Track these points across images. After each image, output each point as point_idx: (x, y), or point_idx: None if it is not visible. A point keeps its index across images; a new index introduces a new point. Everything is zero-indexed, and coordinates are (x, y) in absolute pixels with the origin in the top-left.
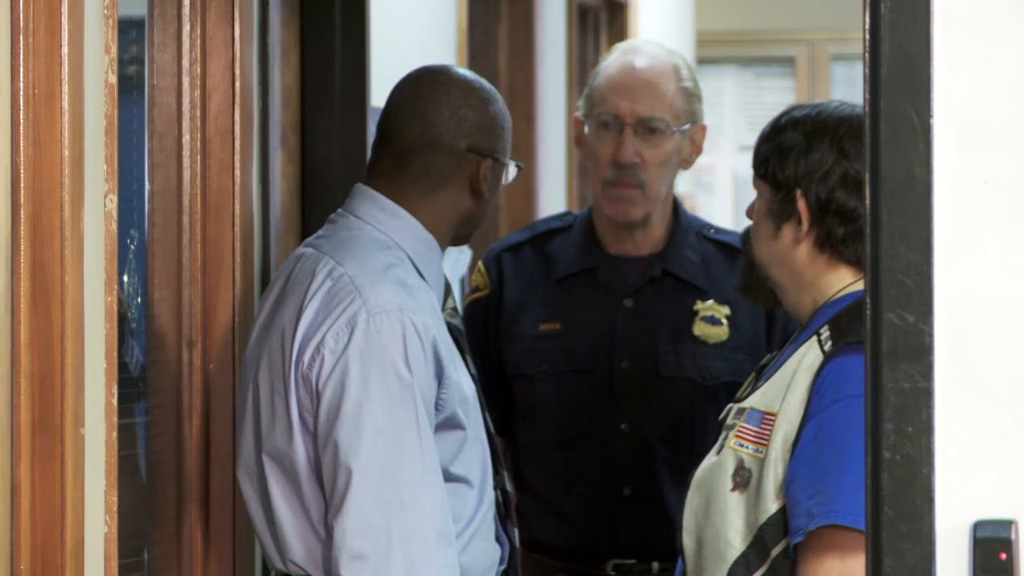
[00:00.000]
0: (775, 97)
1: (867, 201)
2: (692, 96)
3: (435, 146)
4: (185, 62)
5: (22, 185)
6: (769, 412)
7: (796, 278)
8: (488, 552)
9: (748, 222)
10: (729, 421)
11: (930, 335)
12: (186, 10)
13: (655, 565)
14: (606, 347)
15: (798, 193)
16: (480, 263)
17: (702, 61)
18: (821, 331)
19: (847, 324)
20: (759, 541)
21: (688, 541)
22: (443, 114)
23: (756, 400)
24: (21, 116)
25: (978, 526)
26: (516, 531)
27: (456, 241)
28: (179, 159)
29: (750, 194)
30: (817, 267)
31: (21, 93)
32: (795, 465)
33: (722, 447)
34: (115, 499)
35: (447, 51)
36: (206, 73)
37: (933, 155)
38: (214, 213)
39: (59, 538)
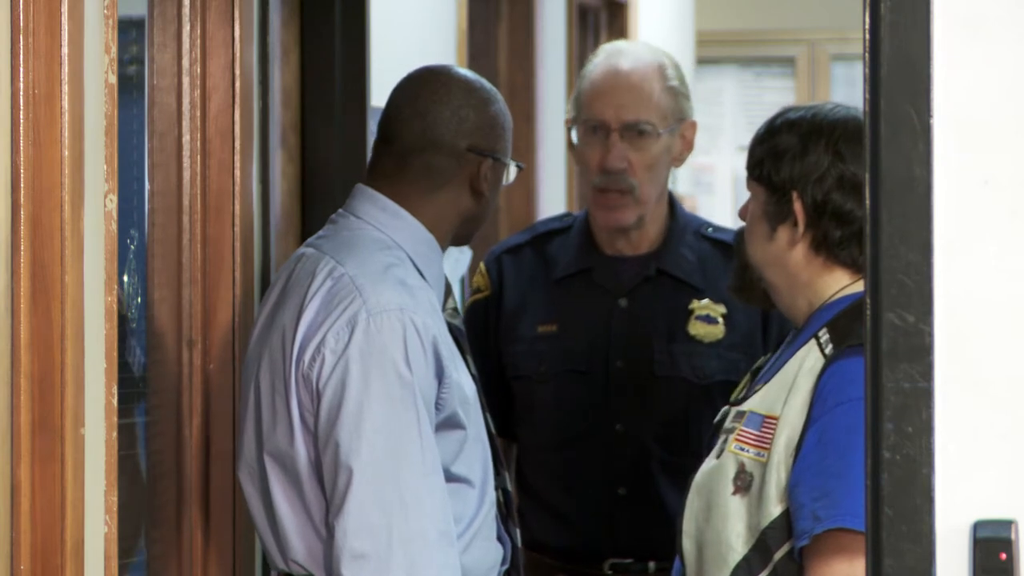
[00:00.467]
0: (775, 97)
1: (867, 201)
2: (679, 94)
3: (436, 146)
4: (185, 62)
5: (22, 185)
6: (770, 416)
7: (791, 280)
8: (490, 552)
9: (742, 223)
10: (728, 424)
11: (930, 335)
12: (186, 10)
13: (652, 564)
14: (601, 347)
15: (794, 195)
16: (481, 264)
17: (702, 61)
18: (820, 334)
19: (847, 326)
20: (761, 545)
21: (688, 545)
22: (444, 114)
23: (756, 403)
24: (21, 116)
25: (978, 526)
26: (518, 531)
27: (457, 241)
28: (179, 159)
29: (748, 195)
30: (813, 269)
31: (21, 93)
32: (799, 469)
33: (722, 451)
34: (115, 499)
35: (447, 51)
36: (206, 73)
37: (933, 155)
38: (214, 213)
39: (59, 538)
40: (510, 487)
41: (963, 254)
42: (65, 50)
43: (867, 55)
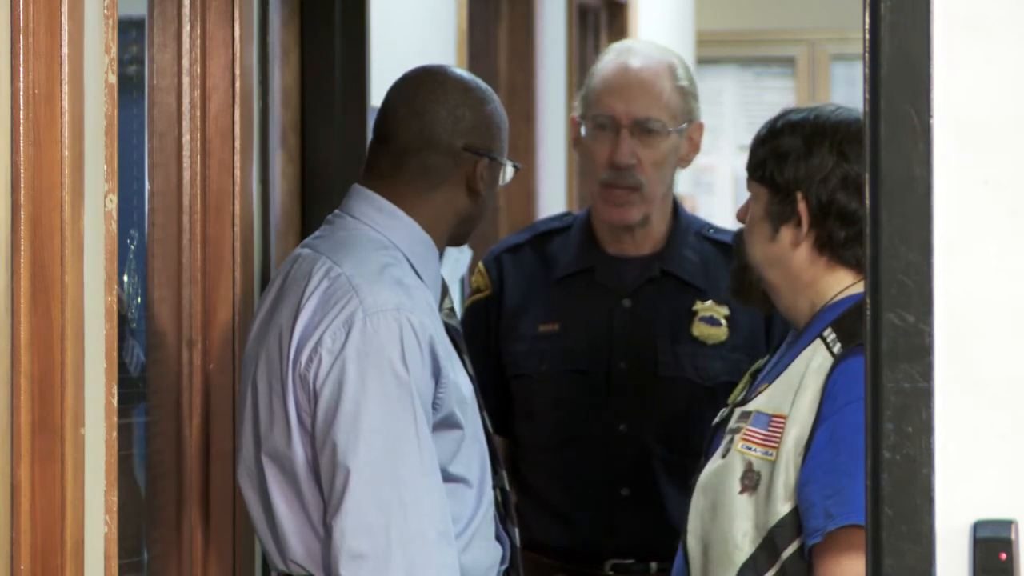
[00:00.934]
0: (775, 97)
1: (867, 201)
2: (688, 95)
3: (432, 145)
4: (185, 62)
5: (22, 185)
6: (777, 415)
7: (793, 280)
8: (488, 552)
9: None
10: (733, 424)
11: (930, 335)
12: (186, 10)
13: (653, 565)
14: (604, 347)
15: (799, 195)
16: (481, 264)
17: (702, 61)
18: (825, 334)
19: (853, 326)
20: (769, 543)
21: (693, 544)
22: (440, 113)
23: (762, 403)
24: (21, 116)
25: (978, 526)
26: (517, 530)
27: (453, 242)
28: (179, 159)
29: (748, 196)
30: (816, 269)
31: (21, 93)
32: (809, 467)
33: (728, 450)
34: (115, 499)
35: (447, 51)
36: (206, 73)
37: (933, 155)
38: (214, 213)
39: (59, 538)
40: (508, 487)
41: (963, 254)
42: (65, 50)
43: (867, 55)
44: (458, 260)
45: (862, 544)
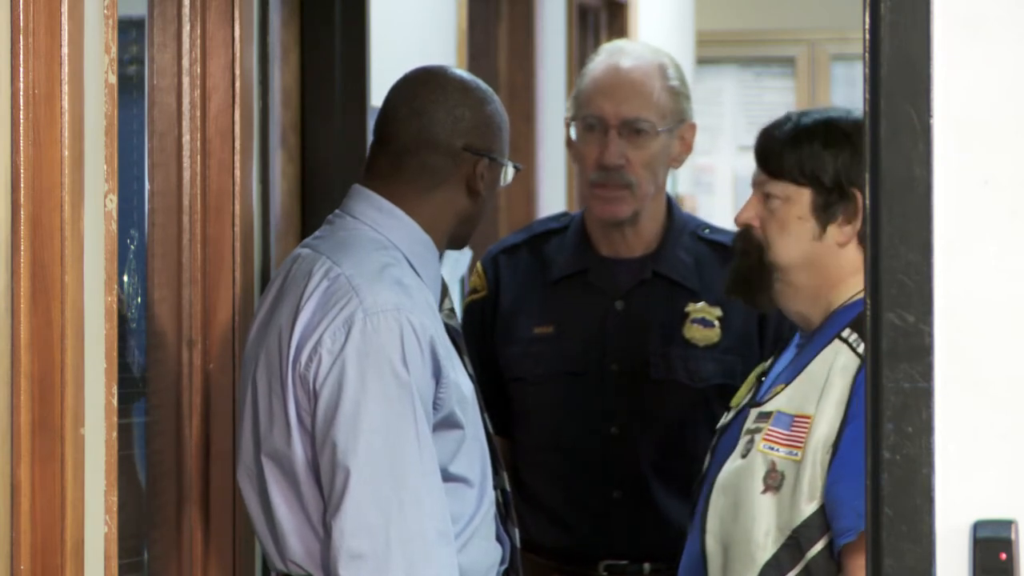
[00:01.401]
0: (775, 97)
1: (867, 201)
2: (679, 95)
3: (432, 145)
4: (185, 62)
5: (22, 185)
6: (801, 415)
7: (822, 281)
8: (488, 552)
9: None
10: (751, 425)
11: (930, 335)
12: (186, 10)
13: (646, 566)
14: (597, 350)
15: (856, 192)
16: (478, 264)
17: (702, 61)
18: (845, 335)
19: None
20: (793, 543)
21: (712, 544)
22: (439, 113)
23: (782, 403)
24: (21, 116)
25: (978, 526)
26: (517, 531)
27: (453, 243)
28: (179, 159)
29: (750, 194)
30: (851, 268)
31: (21, 93)
32: (838, 466)
33: (749, 450)
34: (115, 499)
35: (447, 51)
36: (206, 73)
37: (933, 155)
38: (214, 213)
39: (59, 538)
40: (508, 487)
41: (963, 254)
42: (65, 50)
43: (867, 55)
44: (458, 260)
45: None
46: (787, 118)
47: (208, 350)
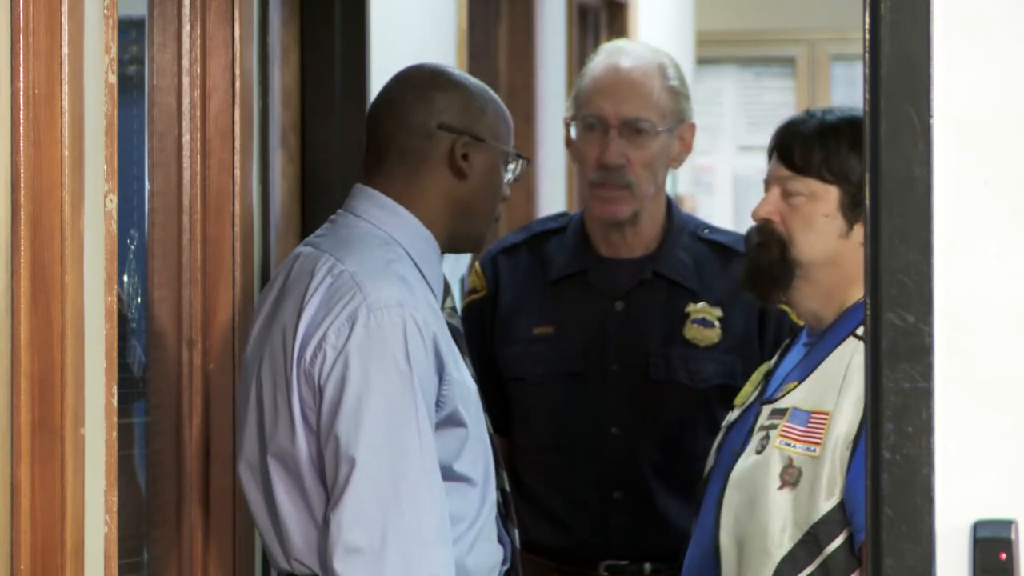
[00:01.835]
0: (775, 97)
1: (867, 201)
2: (679, 95)
3: (406, 127)
4: (185, 62)
5: (22, 185)
6: (818, 411)
7: (842, 279)
8: (491, 553)
9: (749, 222)
10: (765, 421)
11: (930, 335)
12: (186, 10)
13: (647, 566)
14: (597, 350)
15: None
16: (477, 264)
17: (702, 61)
18: (860, 332)
19: None
20: (810, 539)
21: (727, 540)
22: (409, 96)
23: (798, 400)
24: (21, 116)
25: (978, 526)
26: (517, 531)
27: (460, 242)
28: (179, 159)
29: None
30: None
31: (21, 93)
32: (859, 463)
33: (764, 447)
34: (115, 499)
35: (447, 51)
36: (206, 73)
37: (933, 155)
38: (214, 213)
39: (59, 538)
40: (508, 487)
41: (963, 254)
42: (65, 50)
43: (867, 55)
44: (458, 259)
45: None
46: (810, 115)
47: (208, 350)
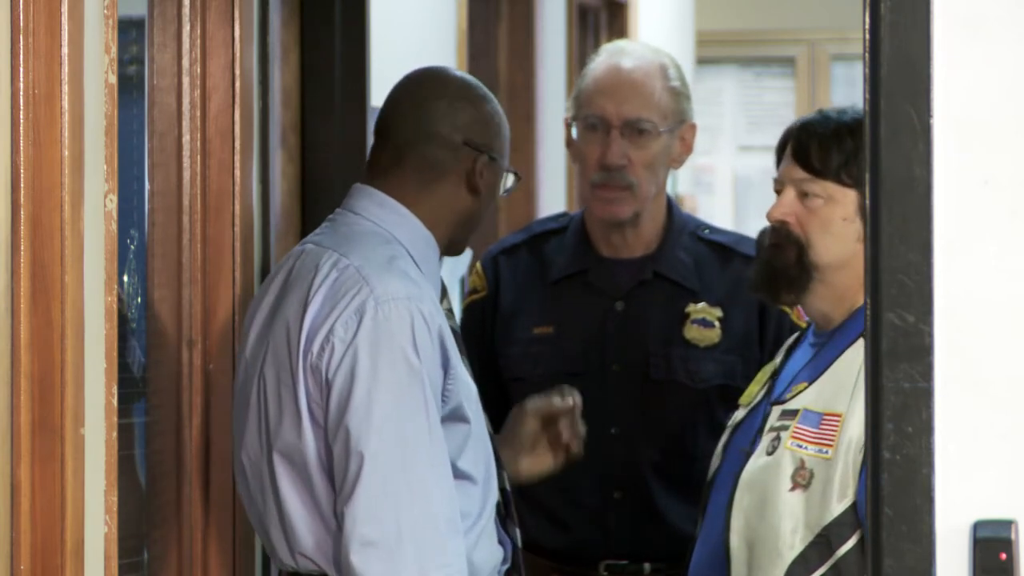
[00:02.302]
0: (775, 97)
1: (867, 201)
2: (680, 95)
3: (432, 137)
4: (185, 62)
5: (22, 185)
6: (830, 413)
7: (853, 280)
8: (494, 552)
9: (758, 224)
10: (775, 423)
11: (930, 335)
12: (186, 10)
13: (647, 566)
14: (597, 350)
15: None
16: (477, 264)
17: (702, 61)
18: None
19: None
20: (822, 541)
21: (736, 541)
22: (439, 106)
23: (809, 401)
24: (21, 116)
25: (978, 526)
26: (518, 530)
27: (450, 248)
28: (179, 159)
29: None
30: None
31: (21, 93)
32: None
33: (775, 448)
34: (115, 499)
35: (447, 51)
36: (206, 73)
37: (933, 155)
38: (214, 213)
39: (59, 538)
40: (508, 486)
41: (963, 254)
42: (65, 50)
43: (867, 55)
44: (458, 259)
45: None
46: (825, 116)
47: (208, 350)
